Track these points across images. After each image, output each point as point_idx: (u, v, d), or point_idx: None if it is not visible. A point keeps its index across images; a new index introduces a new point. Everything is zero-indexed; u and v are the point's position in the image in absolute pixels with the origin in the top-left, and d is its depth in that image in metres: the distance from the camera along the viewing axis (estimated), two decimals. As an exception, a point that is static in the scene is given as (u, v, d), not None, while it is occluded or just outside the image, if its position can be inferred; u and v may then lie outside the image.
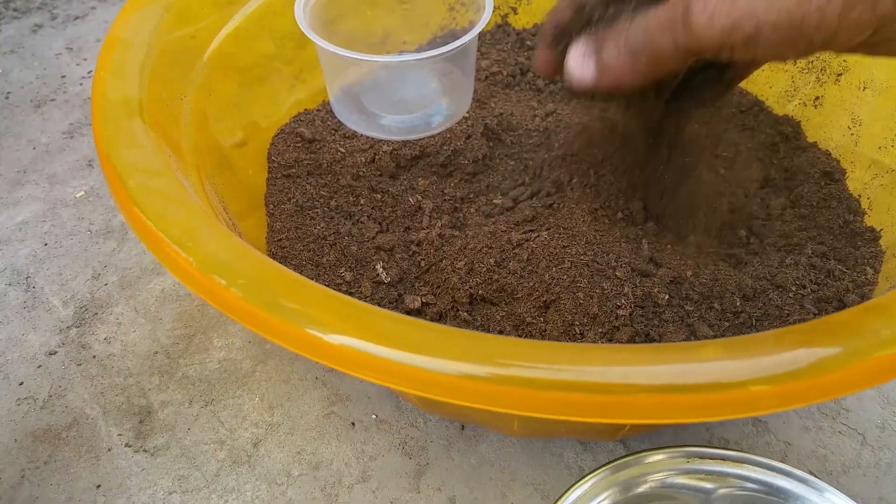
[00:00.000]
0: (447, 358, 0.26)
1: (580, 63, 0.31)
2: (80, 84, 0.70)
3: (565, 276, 0.41)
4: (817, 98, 0.55)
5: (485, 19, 0.48)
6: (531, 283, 0.42)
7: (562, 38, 0.33)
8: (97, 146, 0.33)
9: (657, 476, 0.31)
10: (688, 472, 0.31)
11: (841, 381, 0.25)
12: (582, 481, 0.30)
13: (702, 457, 0.32)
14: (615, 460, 0.31)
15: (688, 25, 0.27)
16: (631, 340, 0.39)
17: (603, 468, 0.31)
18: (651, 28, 0.28)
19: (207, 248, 0.28)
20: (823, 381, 0.25)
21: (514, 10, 0.64)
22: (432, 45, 0.60)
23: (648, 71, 0.29)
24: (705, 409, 0.25)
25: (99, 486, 0.42)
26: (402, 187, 0.52)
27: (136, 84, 0.37)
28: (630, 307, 0.40)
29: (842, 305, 0.42)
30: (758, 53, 0.26)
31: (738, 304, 0.41)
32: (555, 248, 0.43)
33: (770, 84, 0.58)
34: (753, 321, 0.40)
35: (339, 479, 0.42)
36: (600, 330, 0.39)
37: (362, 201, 0.51)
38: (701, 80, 0.36)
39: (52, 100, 0.68)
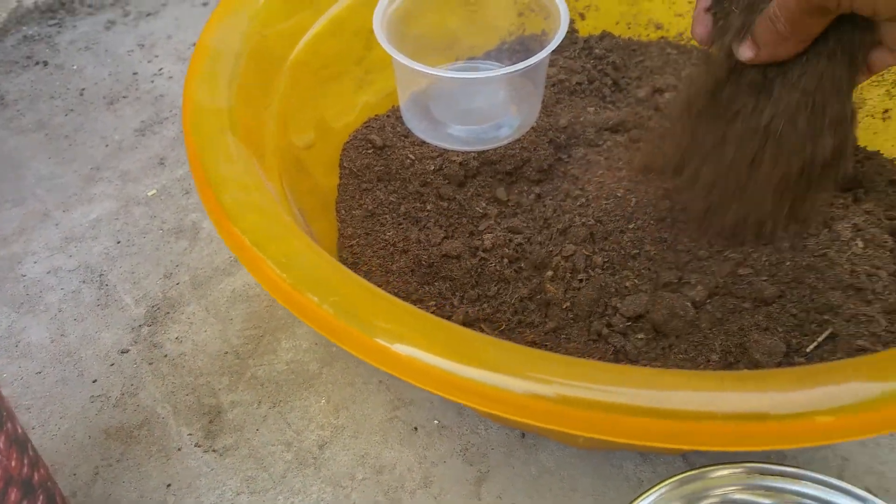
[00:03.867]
0: (518, 377, 0.26)
1: (738, 46, 0.36)
2: (152, 82, 0.71)
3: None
4: (886, 111, 0.53)
5: (561, 33, 0.47)
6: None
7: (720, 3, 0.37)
8: (190, 159, 0.34)
9: (719, 491, 0.32)
10: (748, 488, 0.32)
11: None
12: (647, 493, 0.31)
13: (762, 473, 0.32)
14: (679, 474, 0.31)
15: None
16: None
17: (667, 482, 0.31)
18: None
19: (301, 265, 0.29)
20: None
21: (582, 17, 0.64)
22: (500, 51, 0.60)
23: (792, 34, 0.33)
24: (774, 437, 0.25)
25: (169, 485, 0.43)
26: (469, 194, 0.52)
27: (225, 95, 0.38)
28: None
29: None
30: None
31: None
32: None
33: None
34: None
35: (401, 483, 0.42)
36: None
37: (429, 207, 0.51)
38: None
39: (124, 97, 0.70)
